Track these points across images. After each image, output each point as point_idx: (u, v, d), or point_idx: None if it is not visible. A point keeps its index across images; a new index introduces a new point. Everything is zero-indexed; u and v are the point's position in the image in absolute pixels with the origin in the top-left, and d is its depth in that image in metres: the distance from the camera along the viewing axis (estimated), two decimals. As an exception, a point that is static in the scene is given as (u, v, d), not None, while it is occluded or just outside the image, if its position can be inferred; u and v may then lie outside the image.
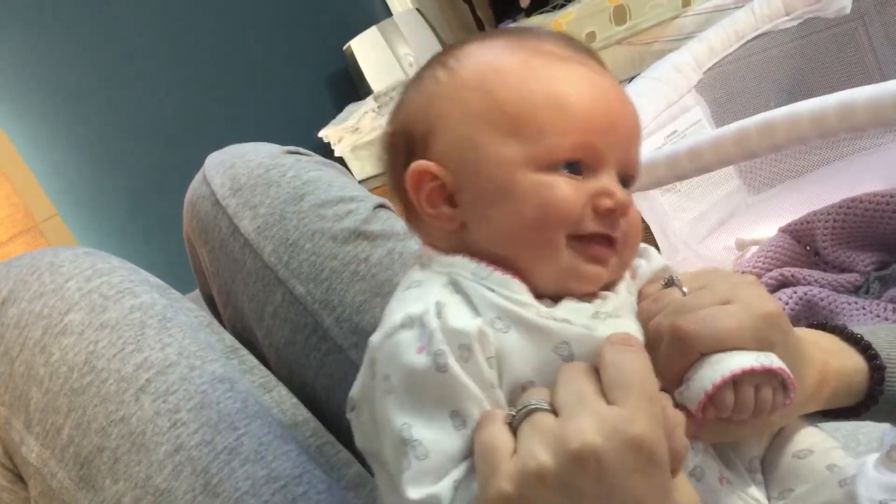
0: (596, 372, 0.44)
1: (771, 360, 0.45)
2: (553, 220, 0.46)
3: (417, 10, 2.29)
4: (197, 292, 0.85)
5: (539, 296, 0.47)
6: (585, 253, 0.46)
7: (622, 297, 0.49)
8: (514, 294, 0.46)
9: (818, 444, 0.50)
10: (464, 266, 0.48)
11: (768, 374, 0.45)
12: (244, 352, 0.71)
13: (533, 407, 0.43)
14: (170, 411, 0.60)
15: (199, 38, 2.08)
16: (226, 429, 0.60)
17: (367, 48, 2.13)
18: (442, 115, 0.49)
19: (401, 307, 0.46)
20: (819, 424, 0.55)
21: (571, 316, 0.46)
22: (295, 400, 0.70)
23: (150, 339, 0.63)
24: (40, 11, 1.82)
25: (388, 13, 2.40)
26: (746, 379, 0.44)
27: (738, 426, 0.47)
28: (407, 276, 0.51)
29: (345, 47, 2.16)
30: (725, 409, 0.45)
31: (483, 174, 0.47)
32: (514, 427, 0.43)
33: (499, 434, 0.42)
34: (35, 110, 1.79)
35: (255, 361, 0.71)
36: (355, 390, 0.49)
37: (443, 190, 0.49)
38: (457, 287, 0.47)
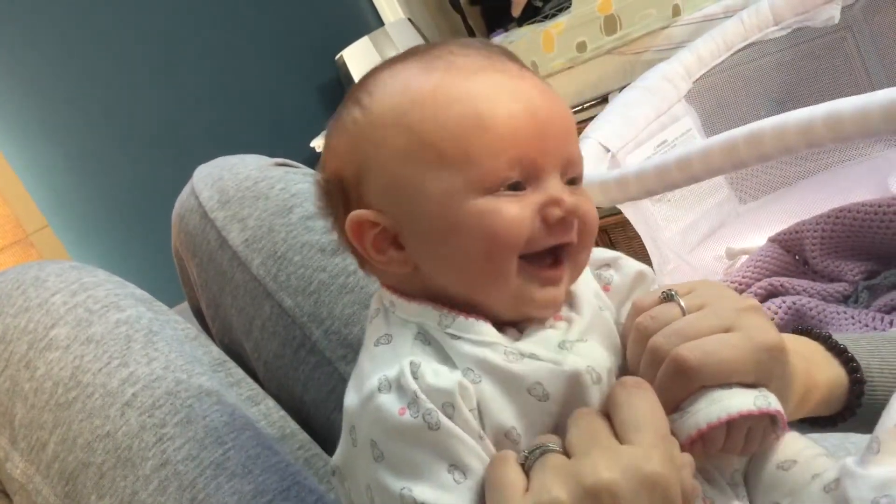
0: (606, 415, 0.44)
1: (769, 402, 0.45)
2: (502, 244, 0.44)
3: (409, 19, 2.30)
4: (185, 304, 0.85)
5: (504, 325, 0.47)
6: (536, 278, 0.45)
7: (588, 319, 0.48)
8: (479, 336, 0.45)
9: (802, 452, 0.49)
10: (429, 316, 0.47)
11: (764, 416, 0.45)
12: (231, 364, 0.71)
13: (546, 448, 0.43)
14: (156, 426, 0.59)
15: (190, 48, 2.08)
16: (212, 443, 0.60)
17: (359, 58, 2.14)
18: (367, 158, 0.47)
19: (374, 368, 0.45)
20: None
21: (538, 349, 0.45)
22: (282, 412, 0.70)
23: (136, 354, 0.62)
24: (30, 23, 1.81)
25: (380, 23, 2.41)
26: (742, 421, 0.44)
27: (718, 455, 0.47)
28: (373, 324, 0.50)
29: (337, 57, 2.17)
30: (714, 447, 0.45)
31: (421, 212, 0.45)
32: (526, 468, 0.43)
33: (511, 472, 0.42)
34: (25, 122, 1.78)
35: (242, 374, 0.71)
36: (338, 458, 0.48)
37: (386, 234, 0.47)
38: (427, 337, 0.46)
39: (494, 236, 0.44)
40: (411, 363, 0.44)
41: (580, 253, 0.47)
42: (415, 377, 0.43)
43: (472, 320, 0.46)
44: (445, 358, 0.45)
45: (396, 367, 0.44)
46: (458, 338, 0.46)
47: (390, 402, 0.43)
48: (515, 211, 0.44)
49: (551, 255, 0.46)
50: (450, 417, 0.42)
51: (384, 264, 0.48)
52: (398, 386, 0.43)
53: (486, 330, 0.46)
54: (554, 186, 0.45)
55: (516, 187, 0.45)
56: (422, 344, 0.46)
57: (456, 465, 0.42)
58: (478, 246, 0.44)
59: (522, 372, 0.44)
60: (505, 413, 0.44)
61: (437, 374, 0.43)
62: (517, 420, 0.44)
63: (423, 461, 0.42)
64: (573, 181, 0.47)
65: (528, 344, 0.46)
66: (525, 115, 0.45)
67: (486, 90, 0.45)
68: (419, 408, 0.42)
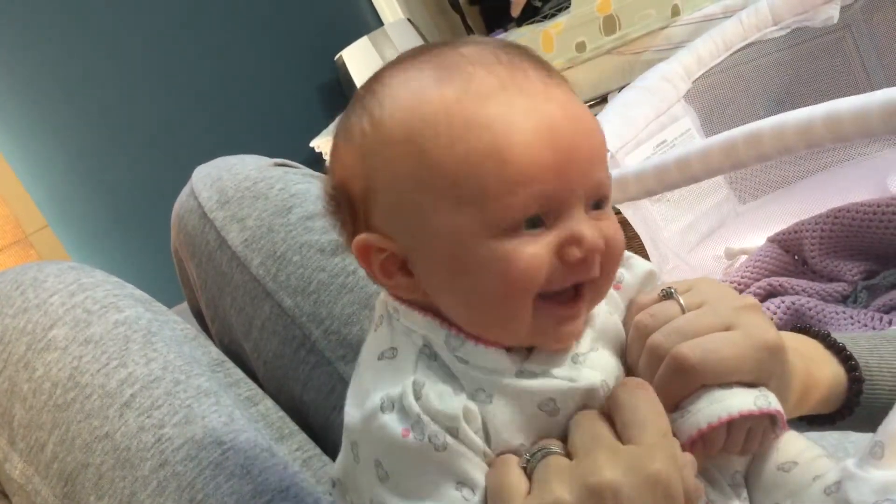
0: (608, 416, 0.44)
1: (769, 402, 0.45)
2: (518, 288, 0.42)
3: (408, 19, 2.30)
4: (184, 305, 0.85)
5: (512, 348, 0.45)
6: (554, 316, 0.43)
7: (598, 327, 0.47)
8: (489, 364, 0.44)
9: (802, 453, 0.49)
10: (435, 332, 0.45)
11: (764, 415, 0.45)
12: (230, 364, 0.71)
13: (548, 451, 0.43)
14: (154, 426, 0.59)
15: (190, 49, 2.08)
16: (211, 444, 0.59)
17: (358, 58, 2.14)
18: (375, 177, 0.44)
19: (377, 385, 0.44)
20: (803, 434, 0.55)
21: (551, 367, 0.44)
22: (281, 413, 0.70)
23: (135, 354, 0.62)
24: (30, 23, 1.81)
25: (380, 23, 2.41)
26: (742, 421, 0.44)
27: (717, 455, 0.47)
28: (377, 334, 0.48)
29: (336, 57, 2.17)
30: (715, 447, 0.45)
31: (431, 247, 0.43)
32: (528, 471, 0.42)
33: (513, 475, 0.42)
34: (25, 122, 1.78)
35: (241, 374, 0.71)
36: (339, 471, 0.47)
37: (394, 259, 0.45)
38: (432, 353, 0.45)
39: (510, 281, 0.41)
40: (414, 382, 0.42)
41: (603, 284, 0.45)
42: (417, 398, 0.42)
43: (481, 347, 0.44)
44: (451, 376, 0.44)
45: (399, 387, 0.43)
46: (466, 362, 0.44)
47: (393, 423, 0.42)
48: (533, 252, 0.41)
49: (571, 289, 0.44)
50: (455, 437, 0.42)
51: (392, 288, 0.46)
52: (401, 406, 0.42)
53: (496, 356, 0.44)
54: (576, 221, 0.42)
55: (535, 223, 0.42)
56: (427, 359, 0.44)
57: (464, 482, 0.42)
58: (491, 289, 0.42)
59: (534, 389, 0.44)
60: (513, 430, 0.44)
61: (442, 398, 0.42)
62: (525, 436, 0.44)
63: (431, 481, 0.42)
64: (599, 203, 0.44)
65: (540, 361, 0.45)
66: (548, 147, 0.41)
67: (505, 117, 0.41)
68: (424, 430, 0.41)
